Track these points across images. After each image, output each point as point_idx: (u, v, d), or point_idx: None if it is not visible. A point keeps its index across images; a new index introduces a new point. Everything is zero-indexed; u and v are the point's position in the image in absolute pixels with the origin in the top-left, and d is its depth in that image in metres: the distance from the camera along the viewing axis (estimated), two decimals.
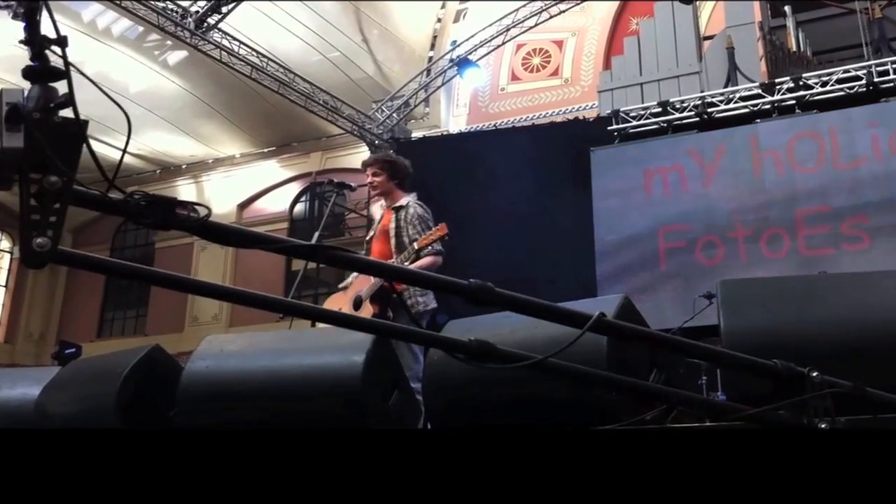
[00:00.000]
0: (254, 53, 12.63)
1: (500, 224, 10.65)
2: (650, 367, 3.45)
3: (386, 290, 4.98)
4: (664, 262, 10.07)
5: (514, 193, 10.72)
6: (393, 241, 5.15)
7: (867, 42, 11.75)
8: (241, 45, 12.44)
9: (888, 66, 10.14)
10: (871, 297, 3.59)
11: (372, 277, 5.04)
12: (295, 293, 5.64)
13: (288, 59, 13.67)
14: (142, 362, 3.88)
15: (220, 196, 18.19)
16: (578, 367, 2.11)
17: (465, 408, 3.39)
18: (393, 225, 5.19)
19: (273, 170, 18.19)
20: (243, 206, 18.26)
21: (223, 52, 12.19)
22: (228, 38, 12.23)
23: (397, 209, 5.23)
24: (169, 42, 14.55)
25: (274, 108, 15.04)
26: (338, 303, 5.29)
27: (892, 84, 10.02)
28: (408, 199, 5.30)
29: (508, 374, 2.88)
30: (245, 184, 18.28)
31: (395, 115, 13.49)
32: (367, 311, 5.07)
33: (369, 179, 5.41)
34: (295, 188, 18.06)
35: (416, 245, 4.90)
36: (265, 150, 17.99)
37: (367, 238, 5.53)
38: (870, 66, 10.25)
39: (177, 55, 15.58)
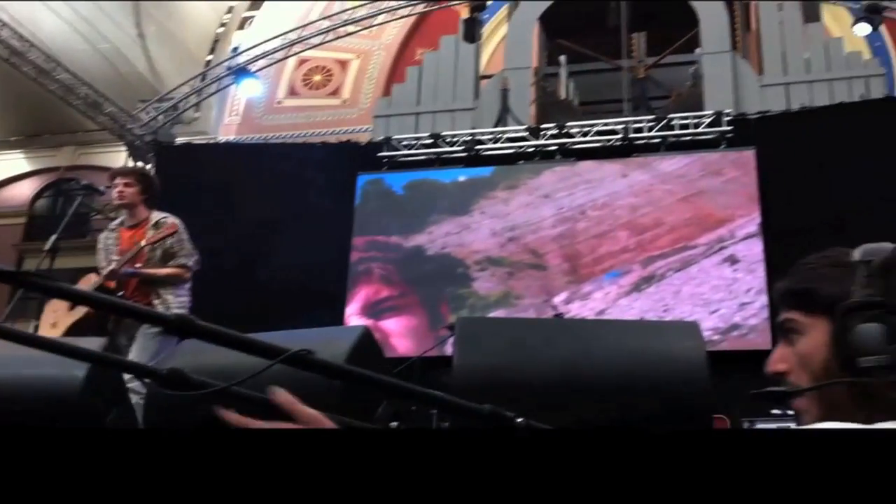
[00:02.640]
0: (16, 36, 11.55)
1: (256, 242, 10.28)
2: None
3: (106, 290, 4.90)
4: (415, 292, 10.06)
5: (277, 210, 10.38)
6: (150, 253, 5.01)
7: (629, 98, 12.48)
8: (4, 26, 11.35)
9: (643, 124, 10.70)
10: (594, 343, 3.74)
11: (91, 279, 5.04)
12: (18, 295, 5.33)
13: (53, 44, 12.68)
14: None
15: None
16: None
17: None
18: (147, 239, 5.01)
19: (17, 160, 16.78)
20: None
21: None
22: None
23: (155, 224, 5.06)
24: None
25: (28, 94, 13.84)
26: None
27: (644, 141, 10.57)
28: (162, 214, 5.16)
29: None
30: None
31: (161, 117, 12.73)
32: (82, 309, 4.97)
33: (119, 190, 5.15)
34: (39, 182, 16.76)
35: (143, 243, 4.83)
36: (11, 139, 16.54)
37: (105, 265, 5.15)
38: (627, 122, 10.78)
39: None
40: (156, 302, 4.86)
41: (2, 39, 11.46)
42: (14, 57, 11.64)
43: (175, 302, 4.90)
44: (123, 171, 5.43)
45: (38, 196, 16.70)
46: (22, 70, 11.92)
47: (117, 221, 5.31)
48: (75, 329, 4.98)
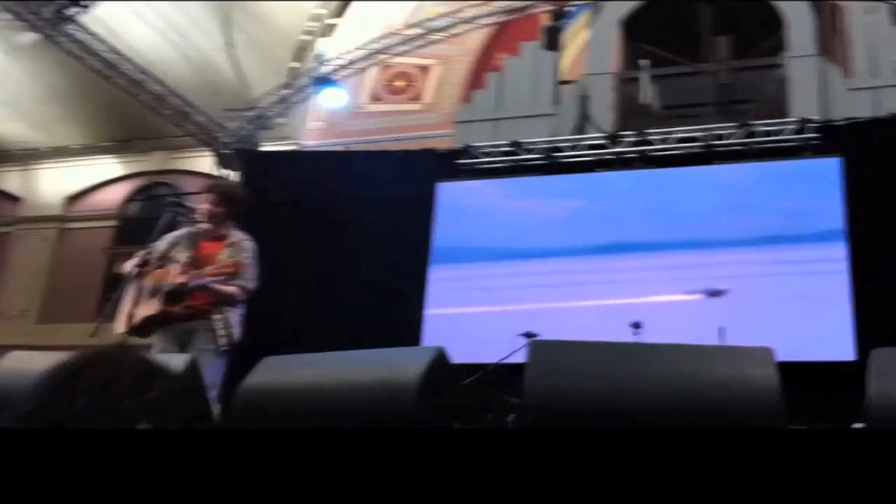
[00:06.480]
0: (108, 49, 11.98)
1: (339, 247, 10.44)
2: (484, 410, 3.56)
3: (179, 293, 4.92)
4: (496, 298, 10.05)
5: (358, 217, 10.54)
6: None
7: (712, 102, 12.25)
8: (97, 39, 11.78)
9: (725, 131, 10.49)
10: (667, 368, 3.74)
11: (170, 273, 4.98)
12: (114, 297, 5.40)
13: (145, 54, 13.07)
14: None
15: (49, 186, 17.22)
16: None
17: None
18: (223, 256, 5.11)
19: (110, 165, 17.25)
20: (73, 198, 17.22)
21: (76, 45, 11.52)
22: (83, 30, 11.57)
23: (232, 244, 5.19)
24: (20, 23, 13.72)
25: (119, 102, 14.31)
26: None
27: (726, 148, 10.36)
28: (241, 235, 5.28)
29: None
30: (78, 176, 17.25)
31: (248, 125, 13.06)
32: (153, 306, 4.96)
33: (206, 207, 5.28)
34: (130, 186, 17.18)
35: (206, 270, 4.91)
36: (105, 144, 17.05)
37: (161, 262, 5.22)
38: (709, 129, 10.58)
39: (27, 37, 14.68)
40: (216, 318, 4.96)
41: (96, 52, 11.85)
42: (107, 69, 12.04)
43: (234, 321, 5.03)
44: (213, 189, 5.49)
45: (128, 200, 17.12)
46: (114, 81, 12.32)
47: (202, 228, 5.36)
48: (147, 323, 5.06)
